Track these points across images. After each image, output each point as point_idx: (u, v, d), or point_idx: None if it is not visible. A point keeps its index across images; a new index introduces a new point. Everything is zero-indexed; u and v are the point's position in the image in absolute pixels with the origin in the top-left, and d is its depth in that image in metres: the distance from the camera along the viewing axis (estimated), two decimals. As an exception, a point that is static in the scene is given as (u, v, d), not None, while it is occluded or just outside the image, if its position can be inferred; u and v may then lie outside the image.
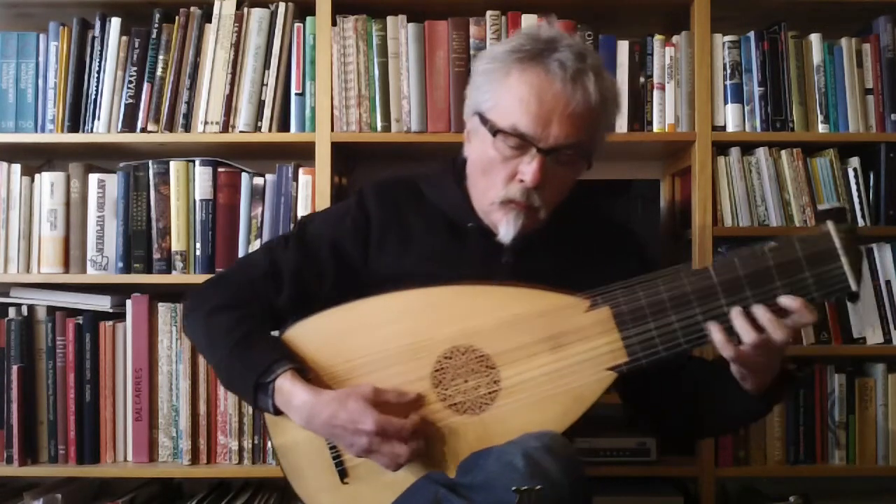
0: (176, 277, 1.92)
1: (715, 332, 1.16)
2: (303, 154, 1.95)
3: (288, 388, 1.22)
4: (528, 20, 1.92)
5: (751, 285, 1.17)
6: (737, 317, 1.15)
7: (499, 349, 1.22)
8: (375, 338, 1.25)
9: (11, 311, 1.96)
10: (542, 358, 1.21)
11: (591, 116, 1.23)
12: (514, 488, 1.03)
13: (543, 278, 1.27)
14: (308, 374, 1.26)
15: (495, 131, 1.23)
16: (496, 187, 1.26)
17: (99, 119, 1.94)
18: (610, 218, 1.44)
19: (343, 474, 1.27)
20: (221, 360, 1.29)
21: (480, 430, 1.21)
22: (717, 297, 1.18)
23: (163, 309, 1.93)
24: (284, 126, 1.95)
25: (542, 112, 1.21)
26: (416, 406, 1.22)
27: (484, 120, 1.26)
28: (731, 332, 1.16)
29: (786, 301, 1.15)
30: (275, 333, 1.35)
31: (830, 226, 1.18)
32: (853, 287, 1.17)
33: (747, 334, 1.14)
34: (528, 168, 1.22)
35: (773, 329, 1.13)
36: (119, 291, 1.98)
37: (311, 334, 1.30)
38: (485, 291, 1.24)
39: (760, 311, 1.14)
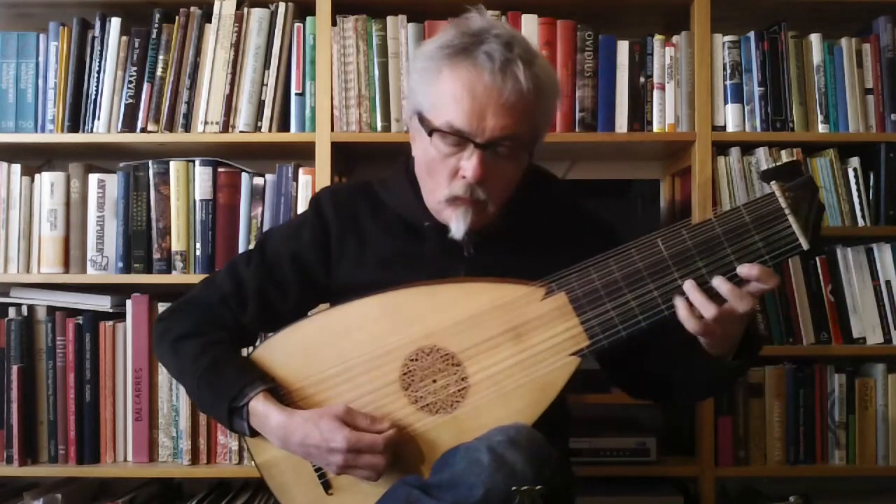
0: (176, 277, 1.92)
1: (680, 309, 1.16)
2: (303, 154, 1.95)
3: (262, 410, 1.23)
4: (528, 20, 1.92)
5: (701, 255, 1.17)
6: (692, 291, 1.15)
7: (462, 346, 1.22)
8: (340, 348, 1.25)
9: (11, 311, 1.96)
10: (505, 350, 1.21)
11: (525, 105, 1.21)
12: (513, 488, 1.04)
13: (506, 270, 1.27)
14: (280, 391, 1.26)
15: (431, 130, 1.23)
16: (441, 186, 1.26)
17: (99, 119, 1.94)
18: (573, 204, 1.42)
19: (327, 486, 1.27)
20: (193, 387, 1.30)
21: (454, 429, 1.21)
22: (669, 270, 1.17)
23: (163, 309, 1.93)
24: (284, 126, 1.95)
25: (474, 107, 1.20)
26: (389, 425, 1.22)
27: (422, 119, 1.26)
28: (692, 307, 1.15)
29: (744, 270, 1.14)
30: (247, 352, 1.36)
31: (774, 185, 1.17)
32: (804, 246, 1.16)
33: (707, 309, 1.14)
34: (469, 164, 1.22)
35: (736, 301, 1.14)
36: (119, 291, 1.98)
37: (277, 351, 1.30)
38: (442, 289, 1.25)
39: (720, 283, 1.14)
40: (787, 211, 1.16)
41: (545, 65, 1.27)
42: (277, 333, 1.31)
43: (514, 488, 1.03)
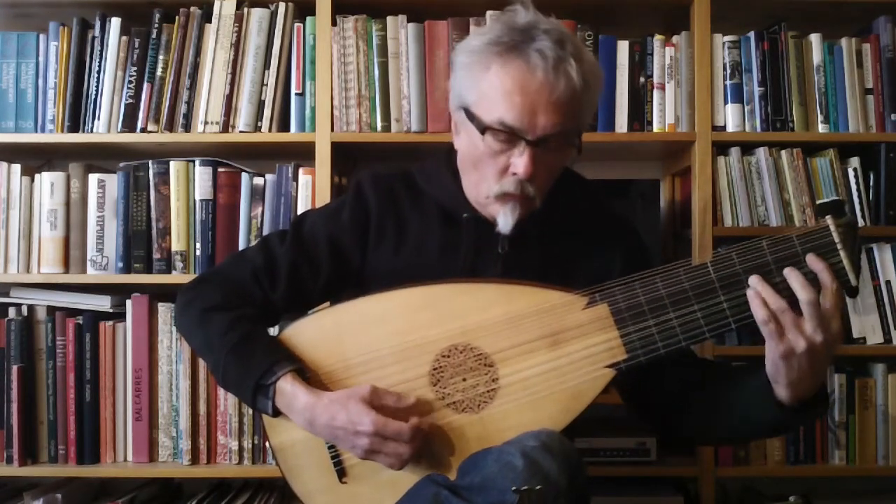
0: (176, 277, 1.92)
1: (757, 309, 1.14)
2: (303, 154, 1.95)
3: (290, 390, 1.22)
4: (528, 20, 1.91)
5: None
6: (759, 283, 1.14)
7: (497, 347, 1.22)
8: (373, 336, 1.25)
9: (11, 311, 1.96)
10: (540, 356, 1.21)
11: (575, 102, 1.23)
12: (513, 488, 1.03)
13: (538, 266, 1.28)
14: (307, 373, 1.25)
15: (483, 128, 1.23)
16: (488, 181, 1.27)
17: (99, 119, 1.94)
18: (603, 207, 1.44)
19: (341, 474, 1.26)
20: (218, 361, 1.28)
21: (479, 429, 1.21)
22: (716, 293, 1.18)
23: (163, 309, 1.93)
24: (284, 126, 1.95)
25: (526, 104, 1.20)
26: (416, 409, 1.21)
27: (470, 115, 1.26)
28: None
29: (811, 260, 1.14)
30: (272, 331, 1.35)
31: (829, 220, 1.17)
32: (852, 281, 1.16)
33: (773, 301, 1.13)
34: (520, 161, 1.22)
35: (800, 289, 1.12)
36: (119, 291, 1.98)
37: (307, 333, 1.29)
38: (482, 289, 1.25)
39: (792, 274, 1.13)
40: (839, 246, 1.16)
41: (592, 59, 1.28)
42: (308, 315, 1.30)
43: (513, 488, 1.03)
